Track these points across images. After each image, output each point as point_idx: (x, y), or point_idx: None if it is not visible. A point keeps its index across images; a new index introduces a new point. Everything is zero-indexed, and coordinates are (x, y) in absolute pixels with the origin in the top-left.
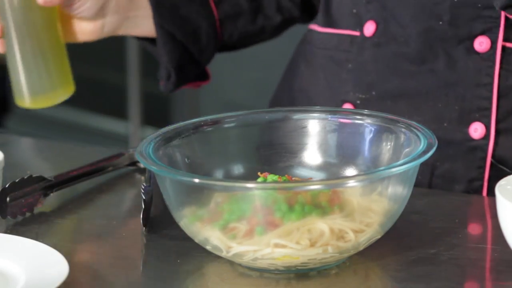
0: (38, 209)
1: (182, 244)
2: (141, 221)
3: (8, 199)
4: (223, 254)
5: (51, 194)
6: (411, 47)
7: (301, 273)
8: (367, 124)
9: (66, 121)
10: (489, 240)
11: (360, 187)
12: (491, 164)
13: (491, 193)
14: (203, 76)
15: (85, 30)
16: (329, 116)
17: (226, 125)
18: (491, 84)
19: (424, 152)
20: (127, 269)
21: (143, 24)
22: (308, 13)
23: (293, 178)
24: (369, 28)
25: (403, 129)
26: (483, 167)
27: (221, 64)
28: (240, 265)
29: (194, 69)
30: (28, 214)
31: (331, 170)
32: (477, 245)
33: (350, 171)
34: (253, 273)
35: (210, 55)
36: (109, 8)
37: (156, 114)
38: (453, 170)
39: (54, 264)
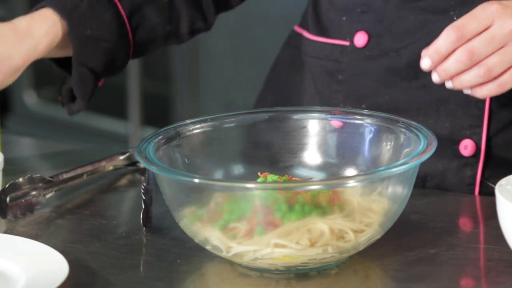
0: (38, 209)
1: (182, 244)
2: (141, 221)
3: (8, 199)
4: (223, 254)
5: (51, 194)
6: (403, 62)
7: (301, 273)
8: (367, 124)
9: (66, 121)
10: (489, 240)
11: (360, 187)
12: (481, 182)
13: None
14: None
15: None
16: (329, 116)
17: (226, 125)
18: (483, 101)
19: (424, 152)
20: (127, 269)
21: (59, 54)
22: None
23: (293, 178)
24: (361, 39)
25: (403, 129)
26: (473, 185)
27: (221, 64)
28: (240, 265)
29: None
30: (28, 214)
31: (331, 170)
32: (477, 245)
33: (350, 171)
34: (253, 273)
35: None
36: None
37: (156, 114)
38: (443, 186)
39: (54, 264)
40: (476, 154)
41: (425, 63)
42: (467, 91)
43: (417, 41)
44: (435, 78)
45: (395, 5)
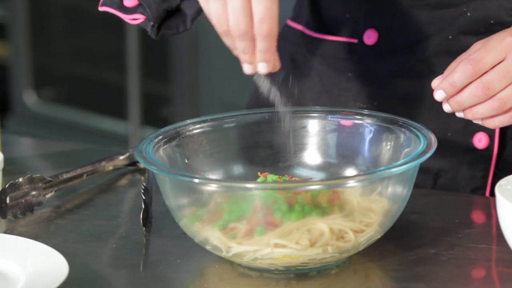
0: (38, 209)
1: (182, 244)
2: (141, 221)
3: (8, 199)
4: (223, 254)
5: (51, 194)
6: (415, 57)
7: (301, 273)
8: (367, 124)
9: (66, 121)
10: (489, 240)
11: (360, 187)
12: (494, 174)
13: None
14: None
15: None
16: (329, 116)
17: (226, 125)
18: None
19: (424, 152)
20: (127, 269)
21: None
22: None
23: (293, 178)
24: (371, 37)
25: (403, 129)
26: (486, 177)
27: (221, 64)
28: (240, 265)
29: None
30: (28, 214)
31: (331, 170)
32: (477, 245)
33: (350, 171)
34: (253, 273)
35: None
36: None
37: (156, 114)
38: (457, 180)
39: (54, 264)
40: (489, 147)
41: (439, 95)
42: (477, 121)
43: (429, 36)
44: (447, 108)
45: (406, 3)
